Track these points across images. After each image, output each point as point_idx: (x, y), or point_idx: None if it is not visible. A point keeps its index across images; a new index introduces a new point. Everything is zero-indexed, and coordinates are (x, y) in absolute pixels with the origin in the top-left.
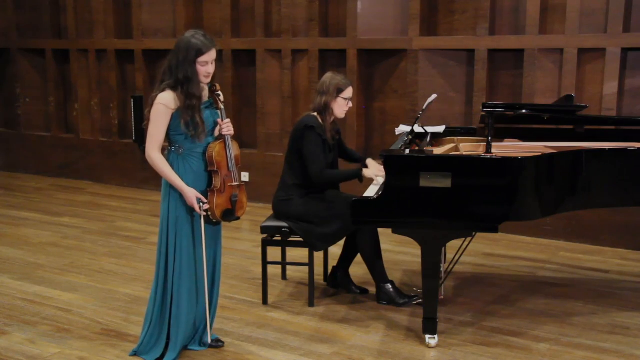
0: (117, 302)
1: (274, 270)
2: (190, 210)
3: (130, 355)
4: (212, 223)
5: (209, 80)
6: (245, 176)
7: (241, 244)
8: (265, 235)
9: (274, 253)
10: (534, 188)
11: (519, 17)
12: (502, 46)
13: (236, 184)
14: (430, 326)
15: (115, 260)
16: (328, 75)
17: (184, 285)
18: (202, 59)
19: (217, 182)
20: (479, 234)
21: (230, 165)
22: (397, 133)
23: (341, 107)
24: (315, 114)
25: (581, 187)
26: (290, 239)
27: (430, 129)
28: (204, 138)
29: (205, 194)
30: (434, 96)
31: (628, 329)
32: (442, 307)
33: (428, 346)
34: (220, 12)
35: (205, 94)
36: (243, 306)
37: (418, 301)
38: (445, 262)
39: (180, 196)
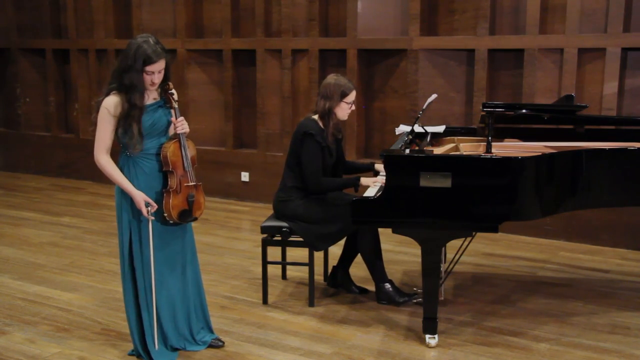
0: (117, 302)
1: (274, 270)
2: (141, 213)
3: (129, 355)
4: (169, 224)
5: (153, 89)
6: (245, 176)
7: (241, 244)
8: (265, 235)
9: (274, 253)
10: (534, 188)
11: (519, 17)
12: (502, 46)
13: (193, 184)
14: (430, 326)
15: (115, 260)
16: (332, 78)
17: (149, 289)
18: (149, 68)
19: (172, 182)
20: (479, 234)
21: (186, 164)
22: (397, 133)
23: (344, 111)
24: (317, 117)
25: (581, 187)
26: (290, 239)
27: (430, 129)
28: (138, 151)
29: (160, 195)
30: (434, 96)
31: (628, 329)
32: (442, 307)
33: (428, 346)
34: (220, 12)
35: (154, 94)
36: (243, 306)
37: (418, 300)
38: (445, 262)
39: (132, 200)
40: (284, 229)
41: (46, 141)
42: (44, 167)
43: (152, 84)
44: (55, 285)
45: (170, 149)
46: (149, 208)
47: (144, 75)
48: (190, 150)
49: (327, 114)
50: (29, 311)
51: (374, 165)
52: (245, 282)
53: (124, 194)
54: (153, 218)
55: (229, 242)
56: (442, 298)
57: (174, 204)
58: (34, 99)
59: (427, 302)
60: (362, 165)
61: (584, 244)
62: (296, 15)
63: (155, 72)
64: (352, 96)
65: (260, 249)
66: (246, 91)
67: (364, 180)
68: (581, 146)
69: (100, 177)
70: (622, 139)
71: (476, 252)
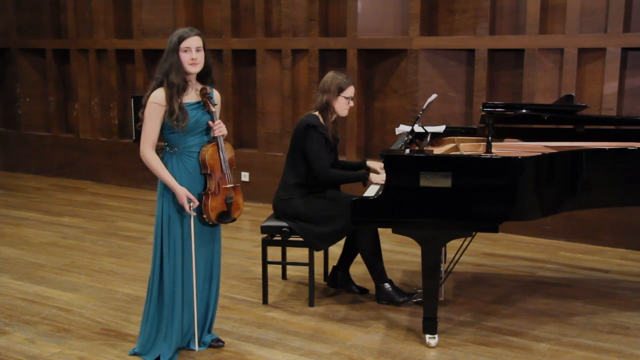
0: (117, 302)
1: (274, 270)
2: (182, 209)
3: (130, 355)
4: (209, 224)
5: (195, 69)
6: (245, 176)
7: (241, 244)
8: (265, 235)
9: (274, 253)
10: (534, 188)
11: (519, 17)
12: (502, 46)
13: (230, 185)
14: (430, 326)
15: (115, 260)
16: (330, 74)
17: (177, 285)
18: (183, 45)
19: (211, 185)
20: (479, 234)
21: (223, 167)
22: (397, 133)
23: (342, 105)
24: (317, 113)
25: (581, 186)
26: (290, 238)
27: (430, 129)
28: (184, 127)
29: (200, 196)
30: (434, 96)
31: (628, 328)
32: (442, 307)
33: (428, 346)
34: (220, 12)
35: (194, 95)
36: (243, 306)
37: (418, 299)
38: (445, 262)
39: (174, 196)
40: (284, 229)
41: (46, 141)
42: (44, 167)
43: (192, 61)
44: (55, 285)
45: (208, 152)
46: (191, 204)
47: (182, 54)
48: (228, 153)
49: (326, 108)
50: (29, 311)
51: (365, 163)
52: (245, 282)
53: (166, 189)
54: (195, 214)
55: (229, 242)
56: (442, 298)
57: (213, 206)
58: (34, 99)
59: (427, 302)
60: (353, 164)
61: (584, 244)
62: (296, 15)
63: (192, 48)
64: (350, 91)
65: (260, 249)
66: (246, 91)
67: (373, 177)
68: (581, 146)
69: (100, 177)
70: (622, 139)
71: (476, 252)
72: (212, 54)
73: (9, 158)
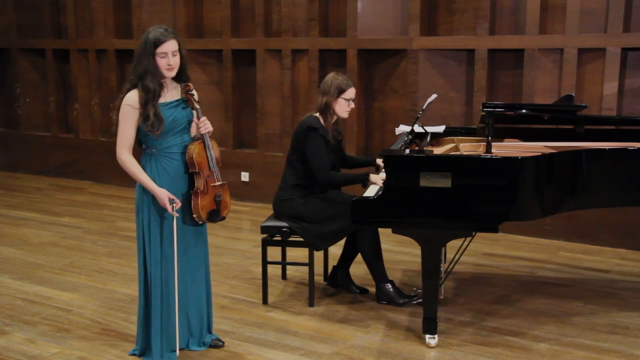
0: (117, 302)
1: (274, 270)
2: (163, 211)
3: (130, 355)
4: (198, 225)
5: (172, 73)
6: (245, 176)
7: (241, 244)
8: (265, 235)
9: (274, 253)
10: (534, 188)
11: (519, 17)
12: (502, 46)
13: (219, 183)
14: (430, 326)
15: (115, 260)
16: (330, 76)
17: (162, 287)
18: (160, 49)
19: (199, 183)
20: (479, 234)
21: (211, 165)
22: (397, 133)
23: (342, 107)
24: (317, 114)
25: (581, 187)
26: (290, 239)
27: (430, 129)
28: (158, 134)
29: (186, 196)
30: (434, 96)
31: (628, 329)
32: (442, 307)
33: (428, 346)
34: (220, 12)
35: (176, 92)
36: (243, 306)
37: (418, 301)
38: (445, 262)
39: (153, 199)
40: (284, 229)
41: (46, 141)
42: (44, 167)
43: (169, 67)
44: (55, 285)
45: (195, 150)
46: (174, 205)
47: (158, 59)
48: (214, 150)
49: (325, 110)
50: (29, 311)
51: (375, 160)
52: (245, 282)
53: (145, 192)
54: (178, 215)
55: (229, 242)
56: (442, 297)
57: (202, 204)
58: (34, 99)
59: (427, 302)
60: (363, 160)
61: (584, 244)
62: (296, 15)
63: (169, 53)
64: (350, 93)
65: (260, 249)
66: (246, 91)
67: (373, 177)
68: (581, 146)
69: (100, 177)
70: (622, 139)
71: (476, 252)
72: (212, 54)
73: (9, 158)
